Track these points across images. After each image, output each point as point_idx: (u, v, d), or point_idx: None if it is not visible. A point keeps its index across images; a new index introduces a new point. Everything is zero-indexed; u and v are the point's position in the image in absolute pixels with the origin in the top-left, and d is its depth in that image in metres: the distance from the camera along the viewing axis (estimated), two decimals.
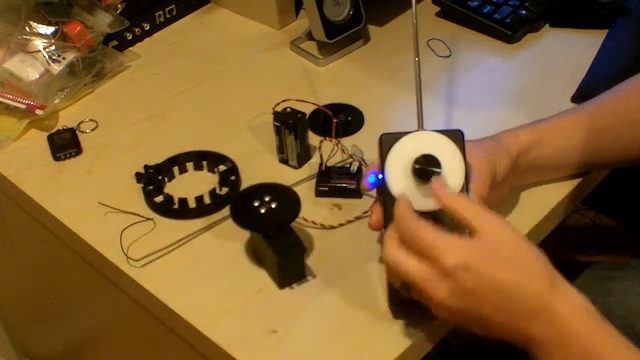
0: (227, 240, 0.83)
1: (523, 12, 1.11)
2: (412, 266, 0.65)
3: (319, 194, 0.88)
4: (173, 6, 1.17)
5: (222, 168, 0.92)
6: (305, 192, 0.87)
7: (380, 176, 0.71)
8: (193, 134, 0.98)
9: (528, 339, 0.64)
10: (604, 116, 0.83)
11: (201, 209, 0.86)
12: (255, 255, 0.81)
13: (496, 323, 0.64)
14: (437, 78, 1.04)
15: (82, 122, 1.00)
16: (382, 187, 0.71)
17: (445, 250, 0.63)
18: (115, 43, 1.10)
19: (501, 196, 0.80)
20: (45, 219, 0.90)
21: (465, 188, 0.71)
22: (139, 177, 0.89)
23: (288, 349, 0.73)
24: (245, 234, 0.82)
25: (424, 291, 0.64)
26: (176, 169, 0.92)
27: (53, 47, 1.00)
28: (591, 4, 1.10)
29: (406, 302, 0.73)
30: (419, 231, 0.64)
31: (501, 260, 0.63)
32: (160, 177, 0.90)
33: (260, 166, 0.92)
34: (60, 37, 1.01)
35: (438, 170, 0.69)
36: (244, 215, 0.77)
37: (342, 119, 0.96)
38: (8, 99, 0.98)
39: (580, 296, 0.64)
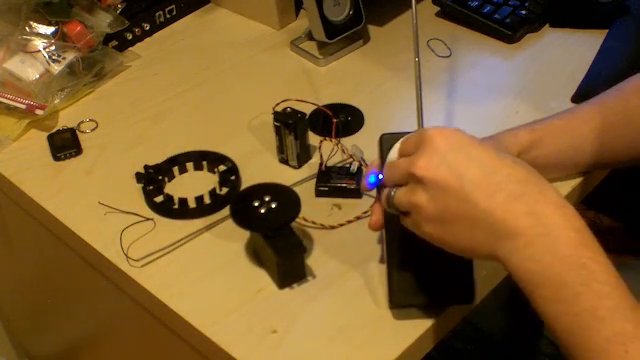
0: (227, 240, 0.83)
1: (523, 12, 1.11)
2: (405, 158, 0.67)
3: (319, 194, 0.88)
4: (173, 6, 1.17)
5: (222, 168, 0.92)
6: (305, 192, 0.87)
7: (380, 176, 0.71)
8: (193, 134, 0.98)
9: (510, 228, 0.61)
10: (604, 116, 0.83)
11: (201, 209, 0.86)
12: (255, 255, 0.81)
13: (478, 208, 0.61)
14: (437, 78, 1.04)
15: (82, 122, 1.00)
16: (382, 187, 0.71)
17: (433, 130, 0.65)
18: (115, 43, 1.10)
19: None
20: (45, 219, 0.90)
21: None
22: (139, 177, 0.89)
23: (288, 349, 0.73)
24: (245, 234, 0.82)
25: (409, 168, 0.64)
26: (176, 169, 0.92)
27: (53, 47, 1.00)
28: (591, 4, 1.10)
29: (406, 303, 0.73)
30: (412, 133, 0.69)
31: (487, 144, 0.65)
32: (160, 177, 0.90)
33: (260, 166, 0.92)
34: (60, 37, 1.01)
35: None
36: (244, 215, 0.77)
37: (342, 119, 0.96)
38: (8, 99, 0.97)
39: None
